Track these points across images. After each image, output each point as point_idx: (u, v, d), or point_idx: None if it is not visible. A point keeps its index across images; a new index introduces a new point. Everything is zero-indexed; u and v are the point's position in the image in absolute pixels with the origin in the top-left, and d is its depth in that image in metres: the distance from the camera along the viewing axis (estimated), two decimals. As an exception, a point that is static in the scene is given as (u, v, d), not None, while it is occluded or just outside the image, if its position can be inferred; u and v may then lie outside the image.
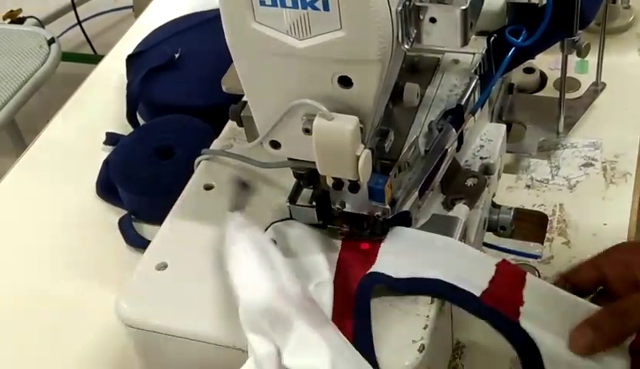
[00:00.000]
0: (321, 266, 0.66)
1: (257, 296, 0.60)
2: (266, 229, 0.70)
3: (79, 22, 2.52)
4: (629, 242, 0.68)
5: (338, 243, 0.69)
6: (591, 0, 0.80)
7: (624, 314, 0.61)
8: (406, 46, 0.58)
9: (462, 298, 0.63)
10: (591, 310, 0.63)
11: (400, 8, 0.56)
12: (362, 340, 0.61)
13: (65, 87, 1.24)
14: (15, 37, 1.73)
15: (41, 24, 2.34)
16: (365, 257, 0.67)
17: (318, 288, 0.64)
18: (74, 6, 2.49)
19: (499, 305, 0.62)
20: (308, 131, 0.60)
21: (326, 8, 0.55)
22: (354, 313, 0.63)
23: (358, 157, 0.59)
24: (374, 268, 0.66)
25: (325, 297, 0.64)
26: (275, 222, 0.71)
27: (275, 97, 0.62)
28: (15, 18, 2.36)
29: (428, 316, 0.63)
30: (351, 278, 0.65)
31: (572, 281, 0.66)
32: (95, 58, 2.38)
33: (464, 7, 0.58)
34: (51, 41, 1.70)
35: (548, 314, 0.63)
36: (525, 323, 0.62)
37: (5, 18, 2.37)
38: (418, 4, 0.58)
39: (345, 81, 0.59)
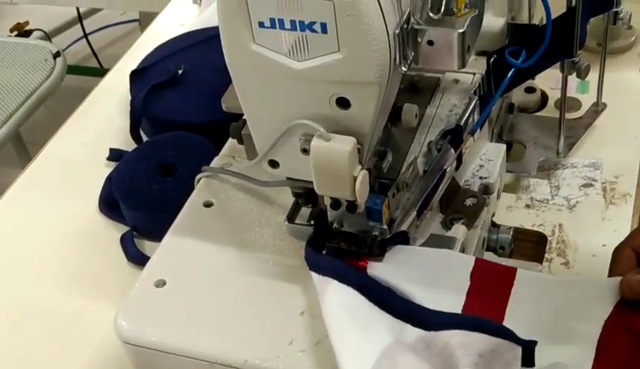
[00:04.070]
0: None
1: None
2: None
3: (85, 35, 2.54)
4: None
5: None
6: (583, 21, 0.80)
7: None
8: (404, 68, 0.59)
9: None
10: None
11: (397, 31, 0.57)
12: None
13: (70, 99, 1.24)
14: (21, 50, 1.75)
15: (48, 36, 2.35)
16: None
17: None
18: (80, 19, 2.50)
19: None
20: (305, 151, 0.61)
21: (324, 30, 0.55)
22: None
23: (355, 178, 0.60)
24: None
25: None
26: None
27: (274, 117, 0.62)
28: (22, 30, 2.38)
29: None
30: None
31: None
32: (100, 71, 2.40)
33: (461, 30, 0.59)
34: (56, 55, 1.71)
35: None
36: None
37: (12, 31, 2.39)
38: (415, 27, 0.59)
39: (343, 102, 0.59)
